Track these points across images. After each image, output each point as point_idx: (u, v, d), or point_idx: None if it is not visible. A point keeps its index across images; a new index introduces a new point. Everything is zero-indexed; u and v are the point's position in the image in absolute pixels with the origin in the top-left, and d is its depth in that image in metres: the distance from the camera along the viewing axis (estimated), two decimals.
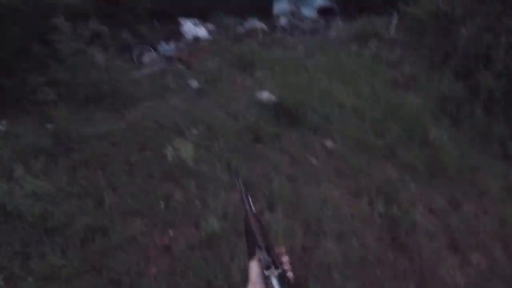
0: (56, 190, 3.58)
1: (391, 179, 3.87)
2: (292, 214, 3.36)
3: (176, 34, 11.77)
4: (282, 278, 0.85)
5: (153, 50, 9.37)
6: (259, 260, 0.94)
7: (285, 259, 0.97)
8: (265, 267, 0.89)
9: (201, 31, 11.90)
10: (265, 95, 5.40)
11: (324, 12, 12.90)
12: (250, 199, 1.20)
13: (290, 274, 0.92)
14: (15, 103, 5.67)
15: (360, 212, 3.45)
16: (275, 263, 0.91)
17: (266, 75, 6.24)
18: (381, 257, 3.05)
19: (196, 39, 11.22)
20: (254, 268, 0.96)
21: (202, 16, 12.95)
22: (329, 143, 4.41)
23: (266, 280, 0.87)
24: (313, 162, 4.14)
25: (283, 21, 12.62)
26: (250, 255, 1.00)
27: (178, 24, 12.48)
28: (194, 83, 6.51)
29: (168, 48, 9.97)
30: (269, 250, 0.95)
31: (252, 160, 4.08)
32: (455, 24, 6.24)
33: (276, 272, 0.87)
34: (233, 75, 6.86)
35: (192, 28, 12.07)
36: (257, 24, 12.00)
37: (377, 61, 6.78)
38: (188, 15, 12.69)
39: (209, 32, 11.99)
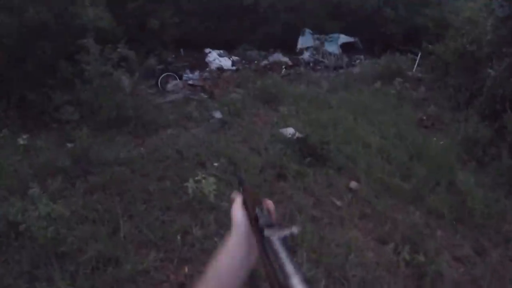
0: (71, 213, 3.53)
1: (416, 225, 3.83)
2: (315, 258, 3.32)
3: (201, 64, 12.02)
4: (285, 241, 0.67)
5: (177, 78, 9.56)
6: (255, 219, 0.78)
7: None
8: (266, 225, 0.73)
9: (226, 62, 12.15)
10: (289, 131, 5.45)
11: (347, 48, 12.96)
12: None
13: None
14: (38, 118, 5.81)
15: (384, 259, 3.40)
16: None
17: (290, 110, 6.31)
18: None
19: (220, 69, 11.44)
20: (239, 215, 0.86)
21: (227, 48, 13.24)
22: (353, 185, 4.40)
23: (263, 241, 0.69)
24: (337, 203, 4.13)
25: (306, 56, 12.78)
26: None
27: (203, 54, 12.77)
28: (218, 114, 6.56)
29: (192, 76, 10.18)
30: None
31: (274, 198, 4.07)
32: (481, 65, 6.24)
33: (279, 233, 0.69)
34: (256, 108, 6.93)
35: (217, 59, 12.34)
36: (281, 57, 12.19)
37: (401, 100, 6.80)
38: (214, 45, 12.99)
39: (233, 63, 12.22)
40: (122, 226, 3.44)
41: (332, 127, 5.61)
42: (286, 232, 0.70)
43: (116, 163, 4.50)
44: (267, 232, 0.70)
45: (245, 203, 0.91)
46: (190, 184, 3.83)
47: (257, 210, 0.82)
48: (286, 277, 0.57)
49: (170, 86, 9.03)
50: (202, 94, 8.28)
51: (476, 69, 6.38)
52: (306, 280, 0.56)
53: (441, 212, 4.05)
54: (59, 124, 5.38)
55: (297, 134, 5.26)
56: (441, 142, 5.36)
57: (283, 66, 10.73)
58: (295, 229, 0.71)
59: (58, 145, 4.87)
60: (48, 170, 4.21)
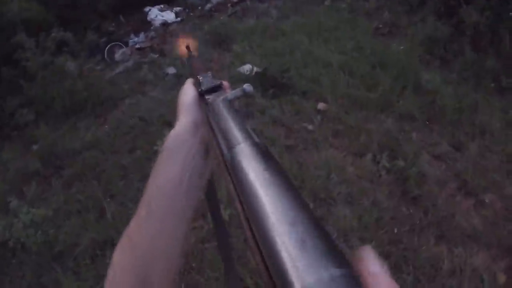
0: (54, 212, 3.46)
1: (390, 131, 3.75)
2: (297, 185, 3.24)
3: (144, 24, 11.38)
4: (229, 103, 0.51)
5: (123, 46, 9.04)
6: (198, 83, 0.65)
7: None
8: (209, 89, 0.61)
9: (169, 16, 11.49)
10: (246, 68, 5.21)
11: None
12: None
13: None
14: None
15: (365, 171, 3.34)
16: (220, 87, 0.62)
17: (244, 47, 6.02)
18: (396, 214, 2.96)
19: (165, 24, 10.86)
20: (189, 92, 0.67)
21: (167, 1, 12.54)
22: (321, 106, 4.26)
23: (206, 111, 0.55)
24: (309, 128, 4.00)
25: None
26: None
27: (144, 14, 12.08)
28: (171, 70, 6.27)
29: (138, 40, 9.64)
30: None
31: None
32: None
33: (225, 95, 0.53)
34: (209, 53, 6.63)
35: (159, 14, 11.67)
36: None
37: (354, 12, 6.57)
38: (153, 2, 12.28)
39: (177, 14, 11.61)
40: (107, 208, 3.38)
41: (289, 54, 5.39)
42: (235, 92, 0.52)
43: (85, 148, 4.37)
44: (210, 97, 0.56)
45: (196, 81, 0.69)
46: (159, 146, 3.68)
47: (200, 76, 0.65)
48: (229, 146, 0.38)
49: (117, 56, 8.49)
50: (152, 54, 7.83)
51: None
52: (259, 144, 0.36)
53: (413, 114, 3.97)
54: (18, 131, 5.13)
55: (255, 69, 5.02)
56: (401, 47, 5.22)
57: (229, 5, 10.24)
58: (248, 87, 0.52)
59: (24, 151, 4.65)
60: (21, 179, 4.07)
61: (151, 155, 3.93)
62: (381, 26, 6.04)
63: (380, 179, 3.25)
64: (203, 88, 0.62)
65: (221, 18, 8.15)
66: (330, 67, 4.81)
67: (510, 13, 4.84)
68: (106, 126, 4.90)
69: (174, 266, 0.57)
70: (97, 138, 4.55)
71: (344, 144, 3.73)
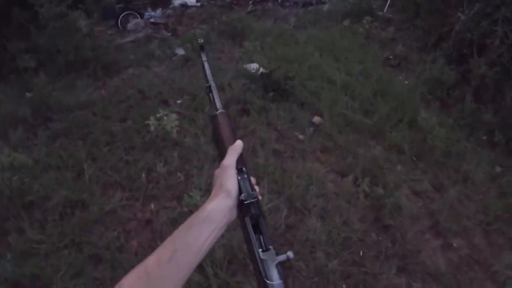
0: (34, 162, 3.47)
1: (377, 159, 3.81)
2: (277, 189, 3.29)
3: (164, 1, 11.36)
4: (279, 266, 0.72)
5: (138, 17, 9.00)
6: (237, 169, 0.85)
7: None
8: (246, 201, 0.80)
9: None
10: (253, 66, 5.24)
11: None
12: (216, 91, 1.13)
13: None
14: None
15: (344, 190, 3.39)
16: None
17: (255, 46, 6.04)
18: (364, 237, 3.02)
19: (184, 5, 10.84)
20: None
21: None
22: (316, 119, 4.31)
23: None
24: (300, 137, 4.05)
25: None
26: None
27: None
28: (181, 51, 6.28)
29: (154, 14, 9.61)
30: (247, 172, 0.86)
31: (238, 133, 3.97)
32: (452, 8, 6.12)
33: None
34: (221, 44, 6.67)
35: None
36: None
37: (369, 38, 6.64)
38: None
39: None
40: (86, 169, 3.41)
41: (297, 63, 5.43)
42: (282, 257, 0.72)
43: (77, 107, 4.39)
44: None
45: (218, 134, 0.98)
46: (152, 121, 3.70)
47: (239, 176, 0.84)
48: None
49: (131, 25, 8.46)
50: (165, 32, 7.85)
51: (447, 12, 6.25)
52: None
53: (402, 147, 4.04)
54: (16, 75, 5.09)
55: (262, 70, 5.05)
56: (406, 82, 5.31)
57: (251, 2, 10.27)
58: (291, 254, 0.73)
59: (18, 95, 4.65)
60: (8, 122, 4.06)
61: (141, 128, 3.97)
62: (391, 57, 6.12)
63: (357, 201, 3.30)
64: (243, 197, 0.80)
65: (241, 13, 8.17)
66: (333, 85, 4.87)
67: None
68: (103, 91, 4.91)
69: None
70: (92, 100, 4.55)
71: (330, 160, 3.79)
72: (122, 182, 3.35)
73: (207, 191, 3.18)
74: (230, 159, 0.86)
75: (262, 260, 0.71)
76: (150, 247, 2.79)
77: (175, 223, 2.93)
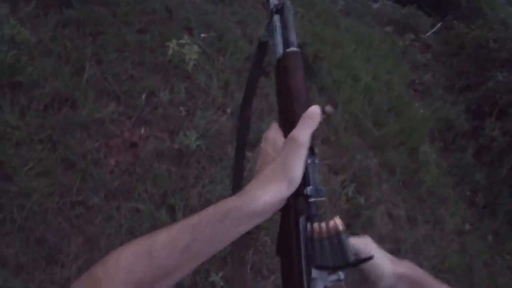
0: (37, 42, 3.19)
1: (369, 170, 3.83)
2: None
3: None
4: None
5: None
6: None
7: None
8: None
9: None
10: None
11: None
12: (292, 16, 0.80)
13: None
14: None
15: (329, 187, 3.41)
16: None
17: (297, 13, 5.88)
18: None
19: None
20: None
21: None
22: (328, 109, 4.27)
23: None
24: None
25: None
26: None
27: None
28: None
29: None
30: None
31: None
32: (493, 64, 6.08)
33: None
34: None
35: None
36: None
37: (405, 57, 6.56)
38: None
39: None
40: (87, 68, 3.17)
41: (330, 47, 5.31)
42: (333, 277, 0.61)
43: (98, 2, 3.93)
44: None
45: None
46: (172, 44, 3.47)
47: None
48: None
49: None
50: None
51: (486, 65, 6.21)
52: None
53: (395, 169, 4.08)
54: None
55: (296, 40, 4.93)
56: (421, 111, 5.30)
57: None
58: (342, 275, 0.61)
59: None
60: None
61: (158, 47, 3.71)
62: (417, 81, 6.08)
63: (336, 202, 3.33)
64: (309, 191, 0.63)
65: None
66: (357, 83, 4.81)
67: None
68: None
69: None
70: (116, 1, 4.11)
71: (326, 154, 3.77)
72: (120, 94, 3.16)
73: (203, 135, 3.10)
74: (304, 132, 0.63)
75: (311, 278, 0.58)
76: (127, 171, 2.73)
77: (160, 156, 2.86)
